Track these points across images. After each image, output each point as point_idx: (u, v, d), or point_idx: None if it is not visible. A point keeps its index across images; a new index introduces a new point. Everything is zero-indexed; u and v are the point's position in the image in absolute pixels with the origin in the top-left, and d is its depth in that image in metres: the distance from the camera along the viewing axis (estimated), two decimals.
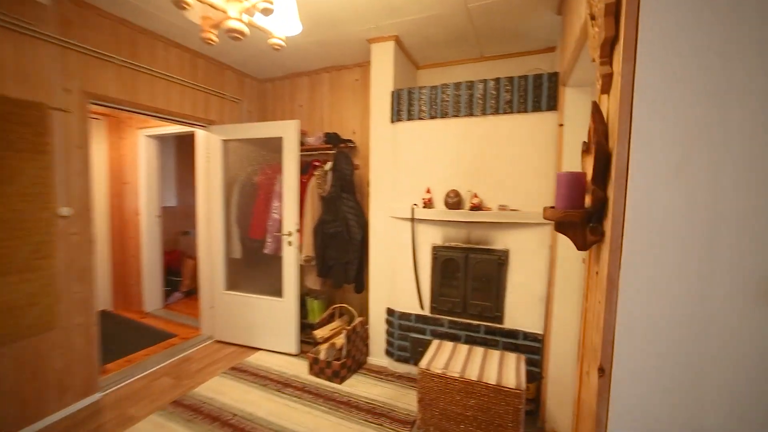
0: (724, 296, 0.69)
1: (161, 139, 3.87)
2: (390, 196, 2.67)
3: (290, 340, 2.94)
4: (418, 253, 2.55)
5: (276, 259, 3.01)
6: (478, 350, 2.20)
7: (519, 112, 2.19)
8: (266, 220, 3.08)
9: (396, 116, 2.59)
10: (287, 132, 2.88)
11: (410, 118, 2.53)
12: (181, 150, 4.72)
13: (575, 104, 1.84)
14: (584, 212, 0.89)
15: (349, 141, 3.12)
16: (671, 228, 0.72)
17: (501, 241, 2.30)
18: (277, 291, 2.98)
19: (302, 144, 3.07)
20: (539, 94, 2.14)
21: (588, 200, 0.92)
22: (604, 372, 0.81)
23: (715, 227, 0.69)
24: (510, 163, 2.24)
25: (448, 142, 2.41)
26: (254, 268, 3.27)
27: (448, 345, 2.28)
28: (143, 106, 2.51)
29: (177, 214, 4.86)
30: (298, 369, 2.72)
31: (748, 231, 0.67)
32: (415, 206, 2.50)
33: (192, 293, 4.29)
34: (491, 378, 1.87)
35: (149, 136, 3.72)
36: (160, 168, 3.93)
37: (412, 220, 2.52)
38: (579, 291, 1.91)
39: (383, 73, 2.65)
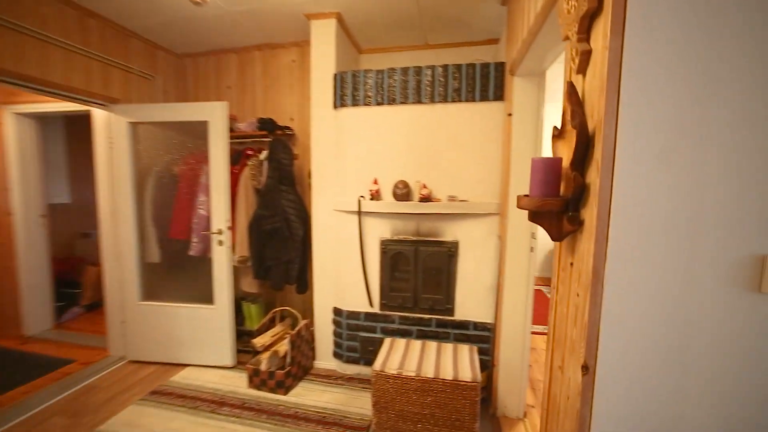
0: (711, 288, 0.68)
1: (42, 119, 3.11)
2: (334, 188, 2.48)
3: (224, 351, 2.61)
4: (366, 248, 2.41)
5: (204, 262, 2.63)
6: (432, 345, 2.17)
7: (467, 101, 2.16)
8: (190, 218, 2.66)
9: (339, 101, 2.40)
10: (214, 115, 2.49)
11: (355, 103, 2.36)
12: (74, 134, 3.89)
13: (523, 94, 1.86)
14: (562, 200, 0.83)
15: (287, 128, 2.84)
16: (659, 217, 0.69)
17: (450, 232, 2.28)
18: (206, 297, 2.61)
19: (232, 130, 2.71)
20: (486, 83, 2.14)
21: (564, 187, 0.87)
22: (588, 369, 0.76)
23: (700, 216, 0.67)
24: (459, 152, 2.21)
25: (395, 130, 2.30)
26: (177, 273, 2.82)
27: (401, 342, 2.20)
28: (2, 71, 1.91)
29: (72, 213, 4.04)
30: (236, 383, 2.42)
31: (733, 219, 0.66)
32: (361, 198, 2.35)
33: (97, 306, 3.58)
34: (447, 373, 1.83)
35: (22, 114, 2.95)
36: (43, 156, 3.16)
37: (359, 213, 2.38)
38: (528, 279, 1.97)
39: (324, 54, 2.43)
